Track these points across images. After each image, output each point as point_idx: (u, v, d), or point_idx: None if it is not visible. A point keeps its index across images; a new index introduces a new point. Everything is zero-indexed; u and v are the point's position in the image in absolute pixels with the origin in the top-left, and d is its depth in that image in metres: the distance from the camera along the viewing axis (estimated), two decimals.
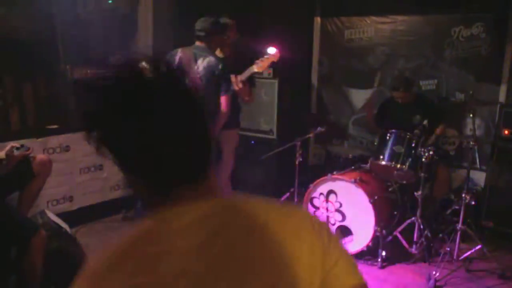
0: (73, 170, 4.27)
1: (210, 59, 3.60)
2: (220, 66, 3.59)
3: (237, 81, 3.63)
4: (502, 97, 4.45)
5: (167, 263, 0.82)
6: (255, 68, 3.63)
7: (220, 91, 3.60)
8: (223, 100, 3.63)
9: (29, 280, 2.86)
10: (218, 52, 3.98)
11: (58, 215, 3.62)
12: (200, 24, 3.69)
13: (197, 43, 3.70)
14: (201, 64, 3.59)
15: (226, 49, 4.07)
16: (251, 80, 3.86)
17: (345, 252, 0.92)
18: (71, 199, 4.27)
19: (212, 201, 0.89)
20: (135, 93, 0.84)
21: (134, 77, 0.85)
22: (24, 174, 3.34)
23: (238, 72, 3.68)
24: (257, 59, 3.63)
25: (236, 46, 4.13)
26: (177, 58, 3.59)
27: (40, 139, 3.99)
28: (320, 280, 0.85)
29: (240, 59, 3.94)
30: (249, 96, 3.89)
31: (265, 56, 3.61)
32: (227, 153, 3.96)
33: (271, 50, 3.64)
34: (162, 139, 0.83)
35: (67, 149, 4.18)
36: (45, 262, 2.88)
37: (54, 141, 4.10)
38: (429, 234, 3.78)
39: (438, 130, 4.21)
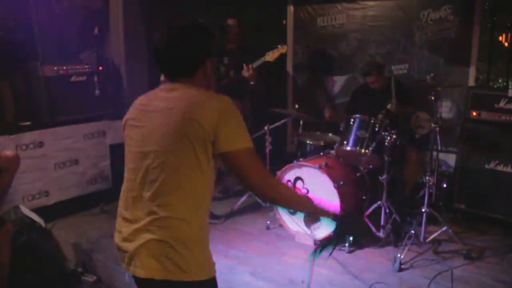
0: (48, 166, 4.32)
1: None
2: None
3: (248, 68, 4.11)
4: (471, 79, 4.45)
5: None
6: (266, 58, 4.19)
7: None
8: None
9: None
10: None
11: (35, 210, 3.67)
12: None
13: None
14: None
15: None
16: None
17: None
18: (47, 194, 4.33)
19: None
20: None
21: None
22: None
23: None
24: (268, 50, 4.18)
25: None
26: None
27: (12, 136, 4.05)
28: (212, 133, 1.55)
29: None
30: (254, 81, 4.23)
31: (276, 48, 4.15)
32: None
33: (280, 45, 4.20)
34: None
35: (40, 145, 4.24)
36: (14, 256, 2.96)
37: (27, 137, 4.15)
38: (397, 218, 3.81)
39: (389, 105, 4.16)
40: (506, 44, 4.48)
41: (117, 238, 1.70)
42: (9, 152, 3.54)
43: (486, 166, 4.08)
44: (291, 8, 5.42)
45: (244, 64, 4.17)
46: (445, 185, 4.35)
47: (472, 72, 4.43)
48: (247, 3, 5.20)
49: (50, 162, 4.34)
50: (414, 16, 4.66)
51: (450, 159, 4.55)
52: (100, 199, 4.59)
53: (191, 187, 1.59)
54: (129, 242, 1.63)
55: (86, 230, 4.15)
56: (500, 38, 4.49)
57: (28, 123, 4.26)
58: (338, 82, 5.25)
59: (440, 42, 4.57)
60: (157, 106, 1.66)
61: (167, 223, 1.57)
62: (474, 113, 4.13)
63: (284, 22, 5.64)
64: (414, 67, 4.75)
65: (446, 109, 4.63)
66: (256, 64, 4.21)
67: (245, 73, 4.13)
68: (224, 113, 1.57)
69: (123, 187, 1.73)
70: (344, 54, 5.16)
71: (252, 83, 4.22)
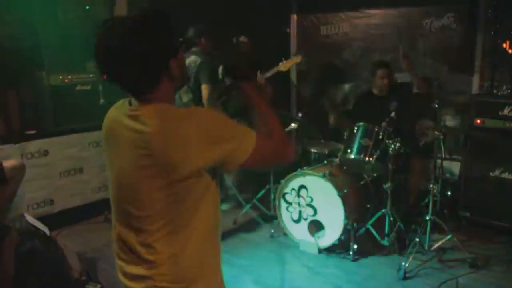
0: (53, 174, 4.35)
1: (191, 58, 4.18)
2: (198, 61, 4.16)
3: (260, 78, 4.01)
4: (475, 87, 4.45)
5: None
6: (280, 67, 4.07)
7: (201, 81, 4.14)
8: (203, 88, 4.13)
9: (1, 281, 2.94)
10: None
11: (39, 218, 3.69)
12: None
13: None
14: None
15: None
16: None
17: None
18: (51, 202, 4.35)
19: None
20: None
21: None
22: None
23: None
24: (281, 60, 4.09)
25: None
26: None
27: (18, 144, 4.08)
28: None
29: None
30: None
31: (290, 58, 4.08)
32: None
33: (296, 55, 4.17)
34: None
35: (45, 153, 4.27)
36: (19, 264, 2.97)
37: (33, 146, 4.18)
38: (401, 226, 3.80)
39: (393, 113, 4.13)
40: (510, 51, 4.47)
41: None
42: (15, 161, 3.56)
43: (491, 174, 4.06)
44: (294, 17, 5.46)
45: (257, 72, 4.03)
46: (449, 193, 4.33)
47: (475, 79, 4.44)
48: (250, 12, 5.23)
49: (55, 170, 4.37)
50: (417, 24, 4.67)
51: (454, 167, 4.53)
52: (104, 208, 4.60)
53: None
54: None
55: (90, 238, 4.16)
56: (504, 46, 4.49)
57: (33, 131, 4.29)
58: (342, 90, 5.26)
59: (444, 50, 4.58)
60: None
61: None
62: (478, 121, 4.12)
63: (288, 30, 5.67)
64: (418, 75, 4.74)
65: (449, 117, 4.62)
66: (269, 73, 4.09)
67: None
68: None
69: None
70: (348, 63, 5.17)
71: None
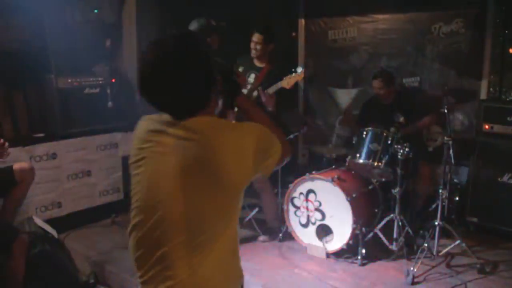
0: (61, 177, 4.36)
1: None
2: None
3: (263, 94, 3.93)
4: (483, 92, 4.45)
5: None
6: (283, 84, 3.89)
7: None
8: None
9: (11, 285, 2.95)
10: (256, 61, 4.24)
11: (47, 221, 3.71)
12: (193, 27, 3.61)
13: None
14: None
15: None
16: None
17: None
18: (59, 205, 4.36)
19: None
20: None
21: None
22: (6, 182, 3.44)
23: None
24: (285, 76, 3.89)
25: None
26: None
27: (26, 147, 4.09)
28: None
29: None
30: (273, 107, 4.01)
31: (293, 74, 3.86)
32: None
33: (299, 69, 3.90)
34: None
35: (54, 156, 4.28)
36: (28, 267, 2.98)
37: (41, 149, 4.19)
38: (409, 231, 3.79)
39: (425, 120, 4.21)
40: None
41: None
42: (24, 164, 3.58)
43: (499, 180, 4.06)
44: (302, 21, 5.47)
45: (260, 90, 4.00)
46: (457, 198, 4.33)
47: (484, 85, 4.44)
48: (258, 16, 5.25)
49: (63, 173, 4.37)
50: (426, 30, 4.68)
51: (462, 172, 4.52)
52: (112, 211, 4.62)
53: None
54: None
55: (98, 241, 4.16)
56: (511, 51, 4.48)
57: (41, 134, 4.30)
58: (349, 95, 5.27)
59: (452, 55, 4.58)
60: None
61: None
62: (487, 126, 4.13)
63: (293, 34, 5.68)
64: (426, 80, 4.76)
65: (458, 122, 4.62)
66: (271, 90, 3.97)
67: (262, 99, 3.96)
68: None
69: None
70: (355, 67, 5.18)
71: (270, 109, 3.99)
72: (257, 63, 4.21)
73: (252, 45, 4.12)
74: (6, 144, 3.27)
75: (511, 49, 4.43)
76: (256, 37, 4.09)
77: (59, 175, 4.35)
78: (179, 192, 1.33)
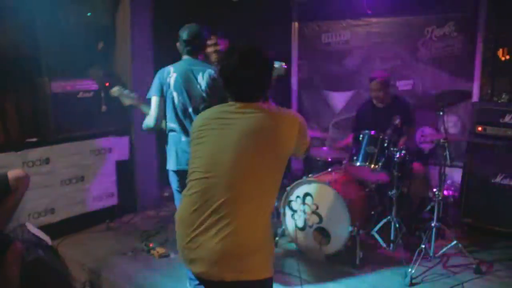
0: (54, 183, 4.29)
1: (210, 71, 3.25)
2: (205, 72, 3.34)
3: None
4: (475, 94, 4.51)
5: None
6: None
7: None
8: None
9: None
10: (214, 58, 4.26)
11: (40, 227, 3.63)
12: (186, 33, 3.31)
13: (186, 56, 3.32)
14: (203, 81, 3.22)
15: (214, 56, 4.30)
16: None
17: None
18: (52, 211, 4.29)
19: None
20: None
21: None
22: (0, 190, 3.36)
23: None
24: None
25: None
26: (171, 80, 3.11)
27: (19, 152, 4.03)
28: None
29: None
30: None
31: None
32: None
33: (277, 64, 3.72)
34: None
35: (47, 161, 4.22)
36: (22, 274, 2.92)
37: (34, 154, 4.13)
38: (406, 233, 3.81)
39: (404, 139, 4.19)
40: (503, 58, 4.53)
41: None
42: (19, 172, 3.50)
43: (492, 181, 4.11)
44: (295, 25, 5.48)
45: None
46: (451, 200, 4.37)
47: (476, 87, 4.50)
48: (252, 20, 5.26)
49: (56, 178, 4.31)
50: (418, 33, 4.73)
51: (456, 173, 4.57)
52: (106, 216, 4.56)
53: None
54: None
55: (92, 247, 4.11)
56: (502, 53, 4.54)
57: (34, 139, 4.23)
58: (343, 98, 5.29)
59: (445, 58, 4.64)
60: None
61: None
62: (480, 128, 4.18)
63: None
64: (419, 83, 4.81)
65: (450, 124, 4.67)
66: None
67: None
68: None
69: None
70: (349, 70, 5.21)
71: None
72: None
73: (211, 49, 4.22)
74: None
75: (502, 52, 4.49)
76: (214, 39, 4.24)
77: (52, 180, 4.28)
78: (241, 151, 1.80)
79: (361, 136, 3.90)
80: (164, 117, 3.14)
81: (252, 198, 1.79)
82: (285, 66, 3.74)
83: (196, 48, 3.29)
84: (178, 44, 3.29)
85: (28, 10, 4.18)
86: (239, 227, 1.76)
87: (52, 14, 4.44)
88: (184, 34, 3.28)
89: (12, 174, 3.43)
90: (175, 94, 3.07)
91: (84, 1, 4.74)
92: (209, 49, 4.31)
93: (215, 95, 3.24)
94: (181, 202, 1.93)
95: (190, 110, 3.05)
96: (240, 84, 1.90)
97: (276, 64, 3.82)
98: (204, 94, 3.12)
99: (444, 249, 3.72)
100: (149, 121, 3.14)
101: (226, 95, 1.95)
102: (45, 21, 4.34)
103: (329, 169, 4.16)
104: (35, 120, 4.38)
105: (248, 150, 1.80)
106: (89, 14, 4.83)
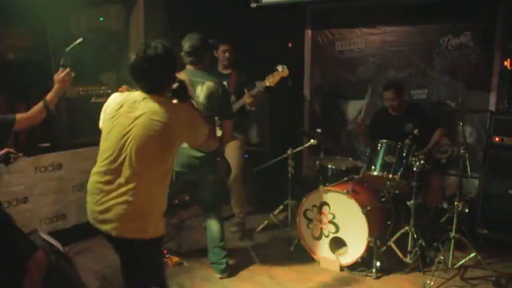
0: (66, 188, 4.24)
1: (209, 84, 3.29)
2: (220, 90, 3.34)
3: (248, 95, 4.02)
4: (492, 104, 4.48)
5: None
6: (266, 83, 4.03)
7: (223, 116, 3.39)
8: (227, 125, 3.41)
9: None
10: (221, 68, 4.39)
11: (52, 233, 3.58)
12: (188, 44, 3.35)
13: (189, 67, 3.37)
14: (201, 93, 3.26)
15: (221, 64, 4.39)
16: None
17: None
18: (64, 217, 4.24)
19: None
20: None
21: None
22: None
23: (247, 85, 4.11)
24: (267, 74, 4.04)
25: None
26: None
27: (31, 158, 3.97)
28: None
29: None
30: (255, 107, 4.18)
31: (275, 72, 3.99)
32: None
33: (279, 67, 4.00)
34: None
35: (59, 167, 4.17)
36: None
37: (46, 159, 4.08)
38: (423, 243, 3.77)
39: (436, 136, 4.22)
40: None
41: None
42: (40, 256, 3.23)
43: (510, 192, 4.07)
44: (309, 32, 5.45)
45: (245, 90, 4.03)
46: (467, 210, 4.32)
47: (493, 97, 4.47)
48: (265, 26, 5.24)
49: (68, 184, 4.26)
50: (434, 42, 4.70)
51: (470, 183, 4.53)
52: None
53: None
54: None
55: (104, 254, 4.04)
56: (505, 63, 4.51)
57: (47, 144, 4.19)
58: (356, 106, 5.26)
59: (460, 67, 4.61)
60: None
61: None
62: (497, 138, 4.14)
63: (290, 45, 5.67)
64: (434, 93, 4.78)
65: (466, 135, 4.63)
66: (255, 90, 4.04)
67: (246, 100, 4.04)
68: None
69: None
70: (363, 79, 5.18)
71: (253, 109, 4.16)
72: (224, 71, 4.39)
73: (222, 55, 4.36)
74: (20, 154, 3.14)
75: (506, 62, 4.45)
76: (225, 46, 4.35)
77: (64, 186, 4.23)
78: (139, 131, 2.20)
79: (379, 145, 3.86)
80: None
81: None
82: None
83: (197, 59, 3.35)
84: (182, 53, 3.35)
85: (39, 15, 4.15)
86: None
87: (64, 19, 4.42)
88: (185, 45, 3.36)
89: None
90: None
91: (97, 6, 4.72)
92: (221, 55, 4.33)
93: (213, 107, 3.31)
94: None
95: None
96: (148, 78, 2.25)
97: (279, 68, 3.95)
98: (201, 107, 3.18)
99: (462, 261, 3.67)
100: None
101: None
102: (57, 27, 4.30)
103: (345, 178, 4.11)
104: (47, 125, 4.33)
105: (144, 131, 2.22)
106: (101, 19, 4.81)
